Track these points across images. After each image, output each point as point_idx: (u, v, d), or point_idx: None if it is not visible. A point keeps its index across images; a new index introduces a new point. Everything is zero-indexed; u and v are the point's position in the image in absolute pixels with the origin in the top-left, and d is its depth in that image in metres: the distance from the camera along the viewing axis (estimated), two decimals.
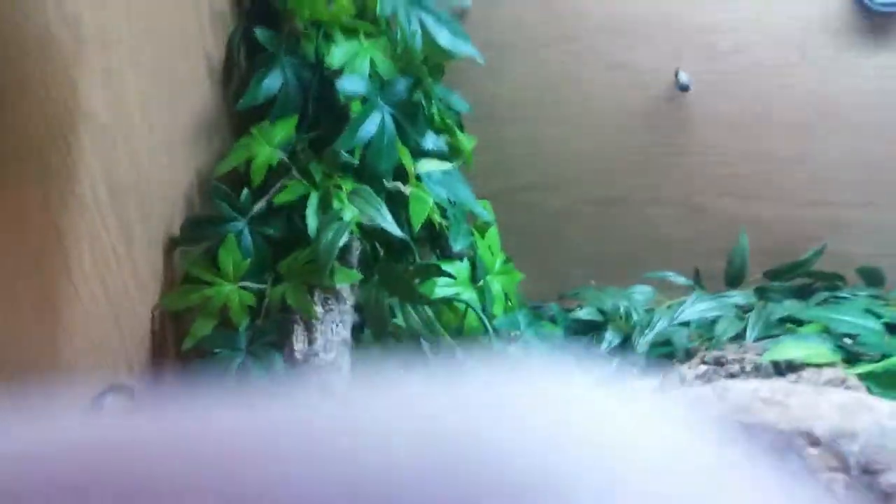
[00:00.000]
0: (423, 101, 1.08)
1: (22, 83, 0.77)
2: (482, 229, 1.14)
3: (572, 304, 1.22)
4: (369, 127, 1.03)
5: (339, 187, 1.00)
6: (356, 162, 1.00)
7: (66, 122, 0.84)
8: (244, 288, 0.96)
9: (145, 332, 0.99)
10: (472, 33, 1.24)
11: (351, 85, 1.02)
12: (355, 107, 1.02)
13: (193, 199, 1.07)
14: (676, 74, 1.15)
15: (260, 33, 1.05)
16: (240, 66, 1.13)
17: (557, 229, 1.30)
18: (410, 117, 1.07)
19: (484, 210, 1.12)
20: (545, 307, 1.33)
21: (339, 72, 1.07)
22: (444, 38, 1.15)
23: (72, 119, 0.85)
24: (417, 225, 0.95)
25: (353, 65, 1.07)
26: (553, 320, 1.20)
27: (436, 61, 1.23)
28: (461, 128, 1.26)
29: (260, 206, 1.01)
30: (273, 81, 1.06)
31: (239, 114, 1.09)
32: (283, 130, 1.03)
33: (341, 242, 0.91)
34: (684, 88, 1.12)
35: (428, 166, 1.01)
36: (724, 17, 1.12)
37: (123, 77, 0.91)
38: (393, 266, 0.95)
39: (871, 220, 1.20)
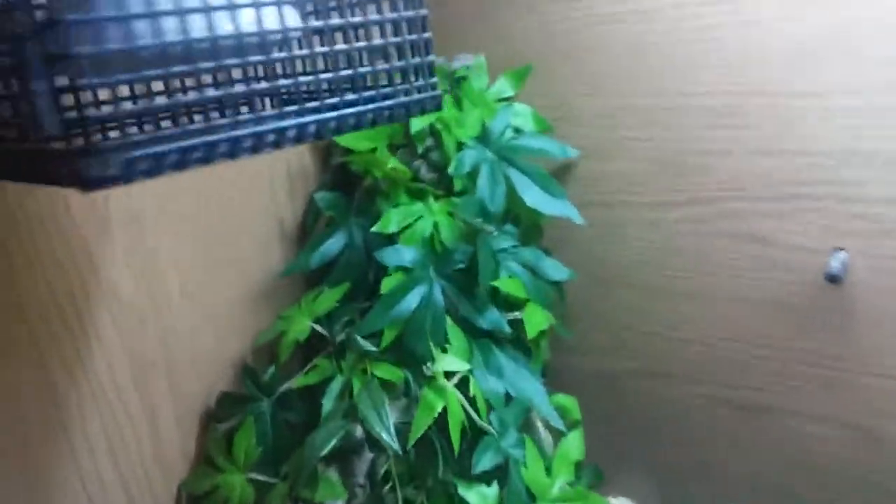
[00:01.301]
0: (488, 271, 0.91)
1: (31, 257, 0.78)
2: (558, 434, 0.90)
3: None
4: (409, 301, 0.89)
5: (366, 372, 0.87)
6: (374, 347, 0.86)
7: (83, 298, 0.85)
8: (252, 480, 0.86)
9: None
10: (578, 189, 1.05)
11: (392, 256, 0.90)
12: (388, 282, 0.88)
13: (249, 364, 1.02)
14: (830, 259, 0.82)
15: (320, 197, 0.99)
16: (320, 226, 1.08)
17: (683, 431, 1.00)
18: (465, 291, 0.91)
19: (557, 411, 0.89)
20: None
21: (396, 236, 0.96)
22: (533, 196, 0.98)
23: (90, 296, 0.86)
24: (413, 440, 0.77)
25: (412, 230, 0.95)
26: None
27: (529, 222, 1.06)
28: (562, 294, 1.05)
29: (286, 386, 0.91)
30: (333, 245, 0.99)
31: (315, 273, 1.03)
32: (328, 301, 0.94)
33: (328, 448, 0.77)
34: (834, 279, 0.79)
35: (448, 364, 0.83)
36: None
37: (159, 253, 0.91)
38: (380, 493, 0.78)
39: None
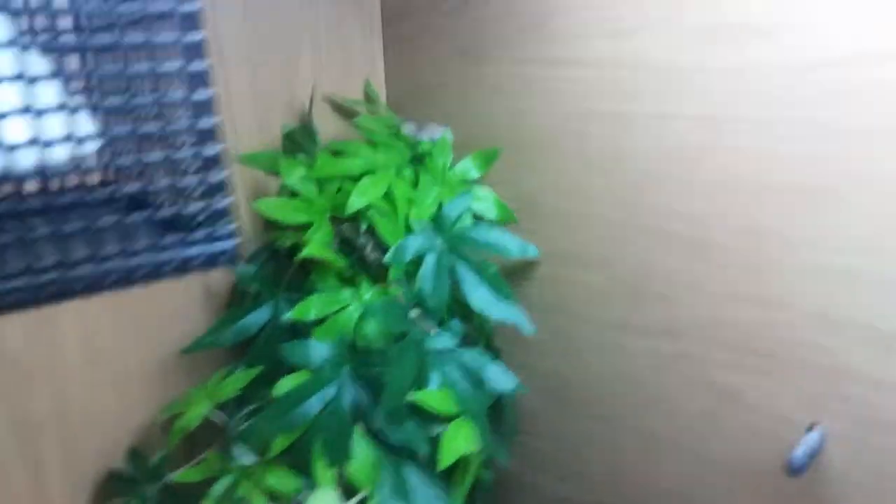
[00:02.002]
0: (404, 380, 0.80)
1: None
2: None
3: None
4: (311, 406, 0.79)
5: (250, 477, 0.78)
6: (253, 459, 0.77)
7: None
8: None
9: None
10: (538, 291, 0.94)
11: (297, 352, 0.81)
12: (286, 382, 0.79)
13: (153, 438, 0.94)
14: (796, 445, 0.68)
15: (241, 269, 0.90)
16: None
17: None
18: (378, 397, 0.81)
19: None
20: None
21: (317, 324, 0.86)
22: (479, 296, 0.87)
23: None
24: None
25: (334, 320, 0.86)
26: None
27: (480, 320, 0.94)
28: (511, 408, 0.94)
29: (172, 475, 0.83)
30: (252, 321, 0.90)
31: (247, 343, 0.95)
32: (233, 385, 0.85)
33: None
34: (795, 471, 0.64)
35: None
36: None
37: (58, 307, 0.84)
38: None
39: None
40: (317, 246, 0.84)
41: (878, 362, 0.64)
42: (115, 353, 0.89)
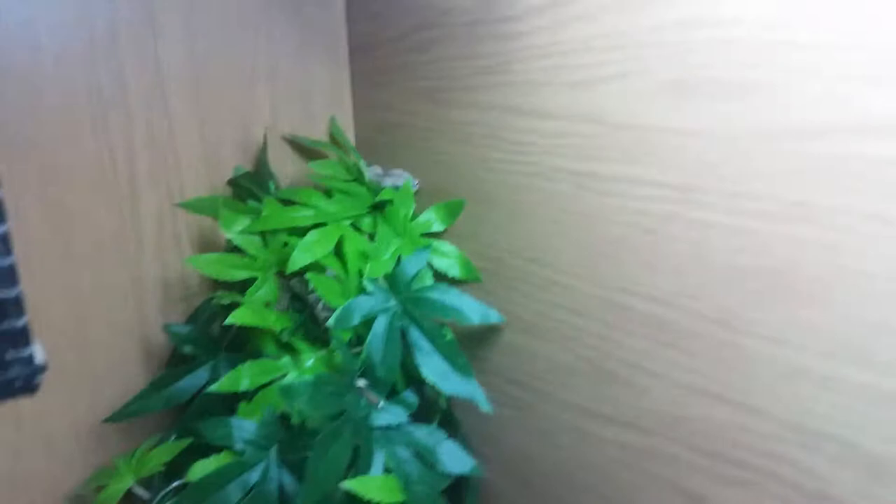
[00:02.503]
0: (332, 468, 0.72)
1: None
2: None
3: None
4: (230, 494, 0.71)
5: None
6: None
7: None
8: None
9: None
10: (504, 363, 0.84)
11: (216, 431, 0.73)
12: (201, 466, 0.71)
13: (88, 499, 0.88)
14: None
15: (174, 329, 0.83)
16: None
17: None
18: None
19: None
20: None
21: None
22: (431, 367, 0.78)
23: None
24: None
25: (268, 392, 0.78)
26: None
27: (435, 392, 0.85)
28: (472, 490, 0.85)
29: None
30: (186, 386, 0.83)
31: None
32: (159, 459, 0.78)
33: None
34: None
35: None
36: None
37: None
38: None
39: None
40: (246, 311, 0.77)
41: (861, 489, 0.53)
42: (42, 415, 0.83)
